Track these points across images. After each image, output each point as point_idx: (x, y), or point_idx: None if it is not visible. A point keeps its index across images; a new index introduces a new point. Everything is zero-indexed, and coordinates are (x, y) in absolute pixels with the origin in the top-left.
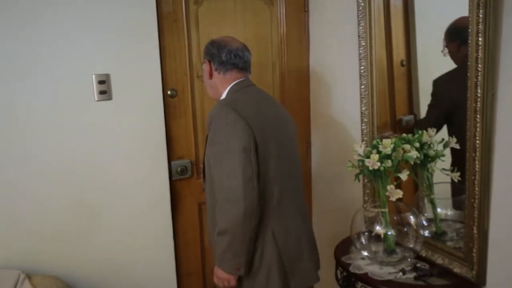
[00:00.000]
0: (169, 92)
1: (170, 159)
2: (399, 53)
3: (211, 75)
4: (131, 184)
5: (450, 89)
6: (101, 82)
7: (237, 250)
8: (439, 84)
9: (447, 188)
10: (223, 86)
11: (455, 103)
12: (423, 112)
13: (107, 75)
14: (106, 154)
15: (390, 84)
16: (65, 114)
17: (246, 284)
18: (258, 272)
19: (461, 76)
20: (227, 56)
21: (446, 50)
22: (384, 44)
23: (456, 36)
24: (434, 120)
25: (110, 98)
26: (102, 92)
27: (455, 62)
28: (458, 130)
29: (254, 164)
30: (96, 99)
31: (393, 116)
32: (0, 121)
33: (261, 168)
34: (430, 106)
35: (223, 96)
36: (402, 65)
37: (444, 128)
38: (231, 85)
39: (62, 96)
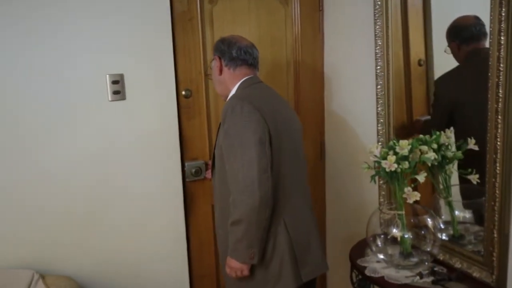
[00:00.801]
0: (183, 92)
1: (184, 160)
2: (416, 52)
3: (221, 71)
4: (145, 185)
5: (450, 88)
6: (114, 82)
7: (251, 239)
8: (439, 83)
9: (463, 190)
10: (232, 82)
11: (454, 102)
12: None
13: (121, 75)
14: (119, 154)
15: (407, 84)
16: (79, 114)
17: (259, 273)
18: (271, 261)
19: (461, 75)
20: (238, 52)
21: (449, 50)
22: (401, 43)
23: (456, 36)
24: (439, 120)
25: (123, 98)
26: (115, 92)
27: (457, 61)
28: (462, 130)
29: (269, 155)
30: (109, 99)
31: (410, 116)
32: (15, 122)
33: (274, 161)
34: (432, 105)
35: (233, 92)
36: (420, 64)
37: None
38: (241, 81)
39: (76, 96)
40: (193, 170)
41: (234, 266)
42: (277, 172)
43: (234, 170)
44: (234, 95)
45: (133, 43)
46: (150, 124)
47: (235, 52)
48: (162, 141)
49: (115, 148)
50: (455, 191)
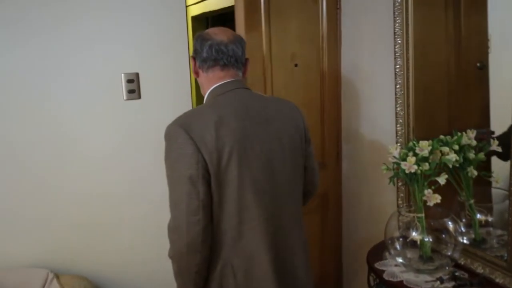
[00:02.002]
0: None
1: None
2: (472, 54)
3: (197, 73)
4: (160, 185)
5: None
6: (129, 81)
7: (184, 280)
8: None
9: (485, 192)
10: (207, 87)
11: None
12: (495, 125)
13: (136, 74)
14: (134, 154)
15: (454, 90)
16: (94, 113)
17: None
18: None
19: None
20: (208, 51)
21: None
22: (452, 44)
23: None
24: None
25: (138, 97)
26: (130, 91)
27: None
28: None
29: (202, 194)
30: (124, 98)
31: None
32: (30, 121)
33: (216, 197)
34: None
35: (205, 99)
36: (479, 68)
37: None
38: (213, 87)
39: (91, 95)
40: None
41: None
42: (220, 210)
43: (170, 204)
44: (177, 118)
45: (148, 42)
46: (166, 124)
47: (206, 52)
48: None
49: (130, 147)
50: (477, 194)
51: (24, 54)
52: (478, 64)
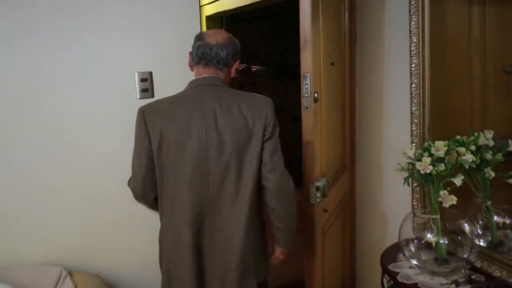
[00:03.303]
0: None
1: None
2: (499, 57)
3: (191, 66)
4: None
5: None
6: (143, 80)
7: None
8: None
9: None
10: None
11: None
12: None
13: (150, 73)
14: None
15: (478, 95)
16: (108, 113)
17: None
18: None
19: None
20: (197, 51)
21: None
22: (476, 44)
23: None
24: None
25: (152, 96)
26: (144, 90)
27: None
28: None
29: (145, 165)
30: (138, 97)
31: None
32: (43, 120)
33: (157, 172)
34: None
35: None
36: (506, 72)
37: None
38: (192, 80)
39: (105, 94)
40: None
41: None
42: (161, 187)
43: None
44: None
45: (162, 41)
46: None
47: (195, 50)
48: None
49: None
50: (495, 195)
51: (37, 54)
52: (505, 68)
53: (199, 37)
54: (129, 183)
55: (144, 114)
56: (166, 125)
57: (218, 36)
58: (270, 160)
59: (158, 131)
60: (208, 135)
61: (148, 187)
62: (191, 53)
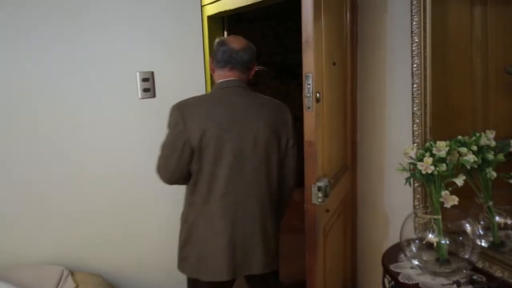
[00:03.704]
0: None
1: None
2: (501, 57)
3: (213, 70)
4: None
5: None
6: (144, 80)
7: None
8: None
9: (504, 195)
10: (216, 81)
11: None
12: None
13: (151, 73)
14: (149, 153)
15: (480, 95)
16: (109, 112)
17: None
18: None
19: None
20: (223, 55)
21: None
22: (478, 44)
23: None
24: None
25: (153, 96)
26: (145, 90)
27: None
28: None
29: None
30: (139, 96)
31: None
32: (44, 120)
33: (194, 165)
34: None
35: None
36: (508, 72)
37: None
38: (218, 82)
39: (106, 94)
40: None
41: None
42: (197, 176)
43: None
44: (183, 100)
45: (164, 41)
46: None
47: (220, 55)
48: None
49: (144, 146)
50: (496, 195)
51: (37, 54)
52: (507, 68)
53: (222, 43)
54: (159, 171)
55: (182, 110)
56: (206, 121)
57: (240, 42)
58: (286, 161)
59: (197, 126)
60: (242, 132)
61: (180, 178)
62: (213, 57)
